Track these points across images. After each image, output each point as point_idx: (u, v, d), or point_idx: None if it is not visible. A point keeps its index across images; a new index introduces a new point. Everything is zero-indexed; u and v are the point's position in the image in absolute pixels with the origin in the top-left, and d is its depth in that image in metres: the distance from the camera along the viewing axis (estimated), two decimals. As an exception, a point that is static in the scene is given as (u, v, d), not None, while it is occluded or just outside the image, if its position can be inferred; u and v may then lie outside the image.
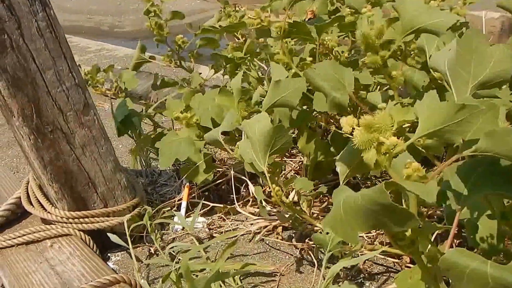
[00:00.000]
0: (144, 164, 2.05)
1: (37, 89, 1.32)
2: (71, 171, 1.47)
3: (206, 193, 1.87)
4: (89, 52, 5.11)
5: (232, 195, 1.75)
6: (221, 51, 2.08)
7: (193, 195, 1.81)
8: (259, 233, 1.59)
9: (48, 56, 1.32)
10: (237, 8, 2.39)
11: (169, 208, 1.74)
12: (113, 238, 1.50)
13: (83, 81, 1.46)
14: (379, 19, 1.56)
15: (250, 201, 1.76)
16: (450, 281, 0.74)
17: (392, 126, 0.70)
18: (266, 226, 1.59)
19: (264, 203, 1.59)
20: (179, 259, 1.48)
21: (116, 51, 5.01)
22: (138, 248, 1.62)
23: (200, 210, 1.76)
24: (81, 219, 1.53)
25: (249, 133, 1.18)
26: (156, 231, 1.64)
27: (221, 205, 1.73)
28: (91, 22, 9.03)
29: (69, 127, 1.43)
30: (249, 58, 1.89)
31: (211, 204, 1.74)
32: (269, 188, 1.28)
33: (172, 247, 1.49)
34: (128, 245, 1.46)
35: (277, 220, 1.59)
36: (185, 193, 1.79)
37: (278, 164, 1.59)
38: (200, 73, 2.27)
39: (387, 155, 0.70)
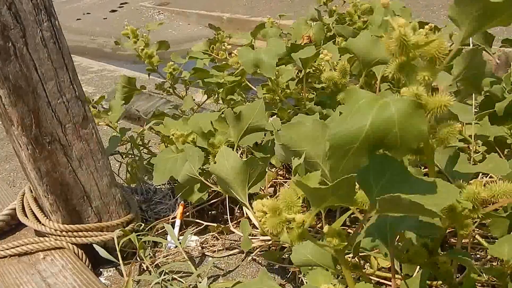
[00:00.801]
0: (139, 181, 2.05)
1: (37, 99, 1.34)
2: (67, 183, 1.48)
3: (200, 212, 1.86)
4: (90, 72, 5.17)
5: (226, 215, 1.75)
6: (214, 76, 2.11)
7: (187, 213, 1.81)
8: (252, 252, 1.58)
9: (51, 66, 1.34)
10: (225, 37, 2.44)
11: (163, 225, 1.74)
12: (102, 253, 1.49)
13: (83, 94, 1.47)
14: (342, 58, 1.63)
15: (244, 221, 1.76)
16: None
17: (299, 198, 0.71)
18: (259, 246, 1.59)
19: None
20: (169, 277, 1.47)
21: (118, 72, 5.07)
22: (130, 265, 1.61)
23: (194, 229, 1.76)
24: (74, 233, 1.52)
25: (222, 174, 1.17)
26: (149, 248, 1.64)
27: (215, 224, 1.73)
28: (95, 44, 9.15)
29: (67, 139, 1.44)
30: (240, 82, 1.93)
31: (205, 223, 1.74)
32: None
33: (164, 265, 1.48)
34: (119, 261, 1.45)
35: (270, 240, 1.59)
36: (179, 211, 1.79)
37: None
38: (194, 99, 2.30)
39: (300, 229, 0.71)
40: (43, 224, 1.52)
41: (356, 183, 0.72)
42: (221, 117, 1.69)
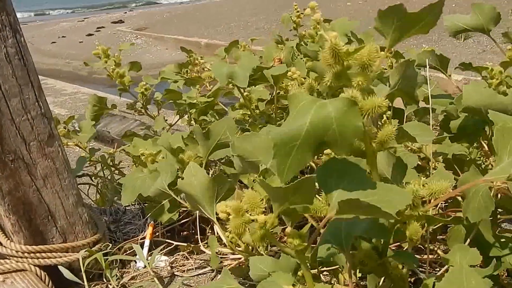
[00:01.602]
0: (109, 202, 2.02)
1: (0, 116, 1.31)
2: (31, 202, 1.44)
3: (171, 232, 1.84)
4: (64, 95, 5.12)
5: (197, 235, 1.72)
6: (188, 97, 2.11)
7: (157, 234, 1.78)
8: (222, 271, 1.56)
9: (15, 83, 1.32)
10: (198, 59, 2.46)
11: (132, 246, 1.70)
12: (67, 274, 1.45)
13: (49, 112, 1.45)
14: (310, 75, 1.67)
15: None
16: None
17: (262, 200, 0.72)
18: (229, 265, 1.57)
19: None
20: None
21: (89, 100, 5.02)
22: (97, 286, 1.56)
23: (164, 249, 1.73)
24: (37, 254, 1.47)
25: (189, 190, 1.17)
26: (116, 268, 1.60)
27: (185, 244, 1.70)
28: (70, 67, 9.10)
29: (32, 157, 1.41)
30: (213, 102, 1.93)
31: (175, 243, 1.71)
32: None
33: (131, 285, 1.45)
34: (84, 282, 1.41)
35: (241, 258, 1.57)
36: (148, 231, 1.76)
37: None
38: (166, 120, 2.30)
39: (263, 229, 0.72)
40: (4, 246, 1.47)
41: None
42: (191, 137, 1.68)
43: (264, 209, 0.73)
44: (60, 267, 1.48)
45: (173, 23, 11.87)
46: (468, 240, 1.04)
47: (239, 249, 1.28)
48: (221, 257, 1.62)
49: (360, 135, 0.74)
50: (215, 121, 1.97)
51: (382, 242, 0.87)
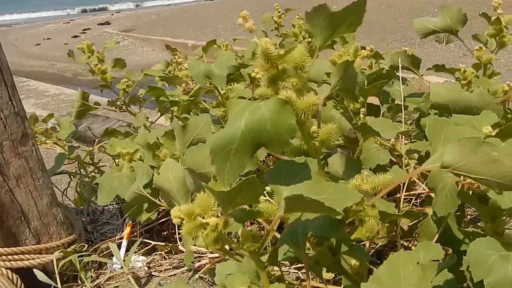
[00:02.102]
0: (87, 202, 1.99)
1: (-31, 114, 1.29)
2: (3, 203, 1.41)
3: (150, 232, 1.82)
4: (47, 96, 5.07)
5: (176, 234, 1.71)
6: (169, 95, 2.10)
7: (135, 233, 1.76)
8: (199, 270, 1.54)
9: (-15, 81, 1.30)
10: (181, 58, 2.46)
11: (108, 246, 1.68)
12: (41, 276, 1.42)
13: (23, 111, 1.43)
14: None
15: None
16: None
17: (214, 203, 0.73)
18: (207, 264, 1.56)
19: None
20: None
21: (75, 96, 4.98)
22: (72, 288, 1.54)
23: (142, 249, 1.71)
24: (9, 256, 1.44)
25: (165, 186, 1.16)
26: (92, 269, 1.58)
27: (163, 244, 1.68)
28: (54, 69, 9.02)
29: (4, 156, 1.39)
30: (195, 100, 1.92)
31: (153, 243, 1.69)
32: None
33: (106, 286, 1.43)
34: (57, 284, 1.39)
35: (219, 257, 1.56)
36: (126, 231, 1.74)
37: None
38: (148, 117, 2.28)
39: (215, 232, 0.72)
40: (-24, 247, 1.44)
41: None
42: (169, 133, 1.67)
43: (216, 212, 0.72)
44: (34, 270, 1.45)
45: (160, 24, 11.83)
46: (437, 235, 1.04)
47: (216, 247, 1.27)
48: (198, 256, 1.61)
49: (295, 133, 0.75)
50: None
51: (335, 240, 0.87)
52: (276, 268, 1.02)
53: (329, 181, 0.84)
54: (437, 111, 1.16)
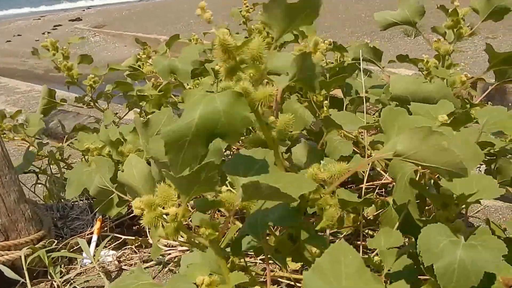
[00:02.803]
0: (57, 198, 1.98)
1: None
2: (-32, 200, 1.40)
3: (121, 226, 1.82)
4: (17, 93, 4.97)
5: (146, 228, 1.72)
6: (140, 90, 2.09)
7: (105, 228, 1.77)
8: (168, 263, 1.56)
9: None
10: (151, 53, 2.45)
11: (78, 242, 1.68)
12: (8, 273, 1.42)
13: (-14, 107, 1.42)
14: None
15: (165, 234, 1.74)
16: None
17: (174, 194, 0.75)
18: (176, 257, 1.57)
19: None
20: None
21: (41, 93, 4.90)
22: (41, 284, 1.54)
23: (112, 244, 1.72)
24: (-24, 253, 1.44)
25: (130, 182, 1.17)
26: (62, 265, 1.58)
27: (133, 238, 1.69)
28: (26, 66, 8.82)
29: (-32, 153, 1.38)
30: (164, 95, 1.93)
31: (123, 237, 1.70)
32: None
33: (76, 281, 1.43)
34: (26, 280, 1.39)
35: (188, 250, 1.58)
36: (96, 226, 1.74)
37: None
38: (117, 113, 2.27)
39: (175, 222, 0.74)
40: None
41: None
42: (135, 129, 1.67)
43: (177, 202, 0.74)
44: (1, 266, 1.45)
45: (132, 20, 11.69)
46: (397, 223, 1.08)
47: (182, 240, 1.29)
48: (168, 249, 1.63)
49: (249, 125, 0.78)
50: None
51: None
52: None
53: (289, 171, 0.87)
54: (397, 103, 1.20)
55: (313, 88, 0.98)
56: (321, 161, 0.89)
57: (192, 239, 0.87)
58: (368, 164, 1.32)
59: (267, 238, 0.94)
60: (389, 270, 0.94)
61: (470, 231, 0.93)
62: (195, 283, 0.79)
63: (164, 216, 0.77)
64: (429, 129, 0.79)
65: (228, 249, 0.97)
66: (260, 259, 1.43)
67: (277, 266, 1.35)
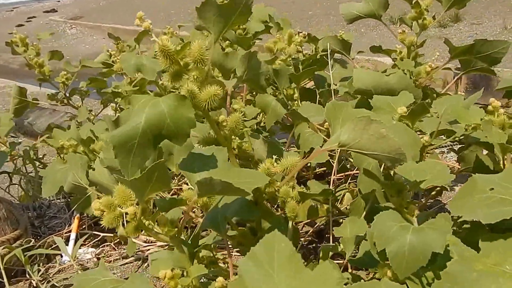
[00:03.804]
0: (33, 197, 1.98)
1: None
2: None
3: (99, 224, 1.83)
4: (-9, 90, 4.88)
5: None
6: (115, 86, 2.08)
7: (84, 226, 1.77)
8: (147, 259, 1.58)
9: None
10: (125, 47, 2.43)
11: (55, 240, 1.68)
12: (-15, 272, 1.42)
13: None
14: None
15: (143, 229, 1.75)
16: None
17: (132, 194, 0.77)
18: (155, 252, 1.59)
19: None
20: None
21: (12, 92, 4.82)
22: (20, 282, 1.55)
23: (91, 241, 1.73)
24: (-48, 255, 1.43)
25: (102, 181, 1.18)
26: (40, 263, 1.59)
27: (111, 235, 1.70)
28: (0, 60, 8.64)
29: None
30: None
31: (102, 234, 1.71)
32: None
33: (54, 279, 1.44)
34: (3, 279, 1.39)
35: (167, 245, 1.60)
36: (74, 224, 1.74)
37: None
38: (91, 110, 2.26)
39: (134, 220, 0.76)
40: None
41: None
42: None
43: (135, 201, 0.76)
44: (-23, 266, 1.45)
45: (109, 11, 11.50)
46: (364, 212, 1.12)
47: (159, 235, 1.31)
48: (147, 245, 1.64)
49: (194, 126, 0.80)
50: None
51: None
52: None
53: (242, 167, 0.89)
54: (361, 95, 1.23)
55: (261, 87, 1.00)
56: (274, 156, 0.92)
57: (155, 236, 0.89)
58: (335, 155, 1.35)
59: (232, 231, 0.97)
60: (353, 257, 0.97)
61: (427, 213, 0.97)
62: (158, 277, 0.82)
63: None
64: (367, 118, 0.83)
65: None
66: (236, 252, 1.46)
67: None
